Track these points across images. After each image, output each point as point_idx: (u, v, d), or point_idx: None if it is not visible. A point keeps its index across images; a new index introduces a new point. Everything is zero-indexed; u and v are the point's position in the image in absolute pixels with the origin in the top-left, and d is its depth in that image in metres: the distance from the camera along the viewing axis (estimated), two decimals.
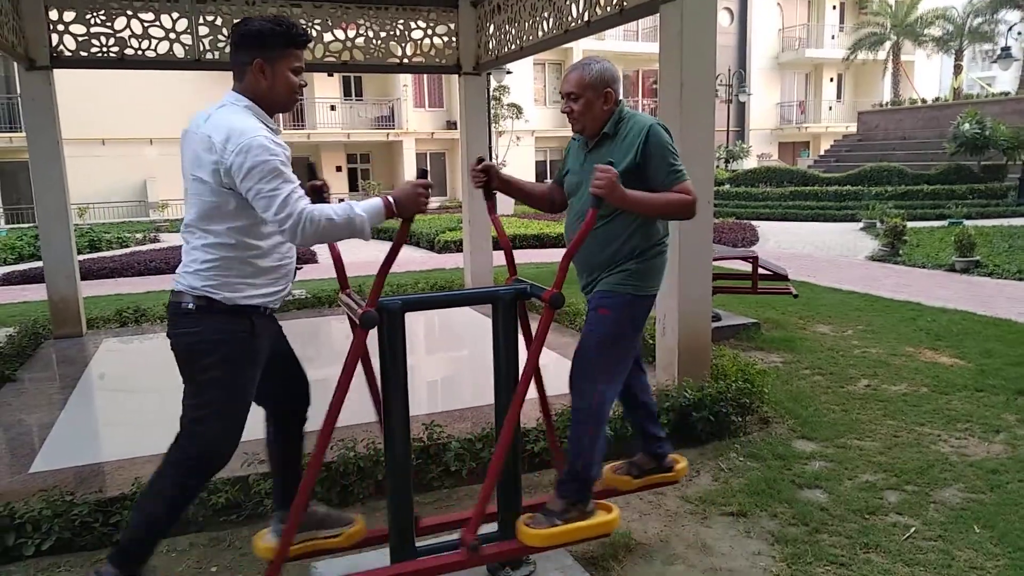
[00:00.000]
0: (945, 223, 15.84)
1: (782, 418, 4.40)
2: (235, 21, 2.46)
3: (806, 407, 4.58)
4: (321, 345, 6.48)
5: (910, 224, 13.03)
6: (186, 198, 2.39)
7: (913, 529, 3.12)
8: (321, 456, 2.40)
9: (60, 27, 6.17)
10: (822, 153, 28.78)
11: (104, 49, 6.31)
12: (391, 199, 2.33)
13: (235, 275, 2.35)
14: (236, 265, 2.35)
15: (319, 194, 2.60)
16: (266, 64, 2.35)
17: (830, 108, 36.12)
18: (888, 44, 31.58)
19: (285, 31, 2.35)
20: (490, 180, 2.88)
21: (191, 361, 2.38)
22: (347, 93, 29.18)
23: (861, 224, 16.14)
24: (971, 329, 6.53)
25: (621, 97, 2.84)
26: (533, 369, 2.55)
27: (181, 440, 2.40)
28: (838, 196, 19.58)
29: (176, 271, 2.44)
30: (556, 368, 4.34)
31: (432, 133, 29.49)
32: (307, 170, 2.59)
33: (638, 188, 2.62)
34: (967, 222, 15.47)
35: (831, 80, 36.18)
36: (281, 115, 2.51)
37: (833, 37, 35.06)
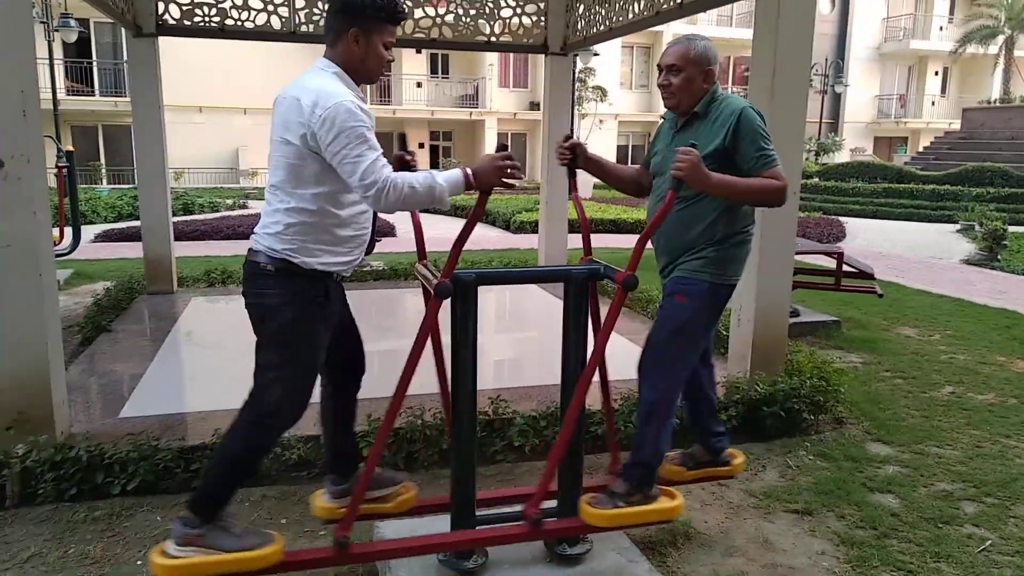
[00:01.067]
0: None
1: (857, 419, 4.27)
2: None
3: (884, 410, 4.43)
4: (396, 316, 6.63)
5: (1012, 228, 12.32)
6: (271, 160, 2.43)
7: (989, 542, 2.99)
8: (390, 422, 2.46)
9: None
10: (920, 150, 27.40)
11: (206, 19, 6.56)
12: (470, 171, 2.34)
13: (313, 240, 2.39)
14: (316, 231, 2.39)
15: (406, 166, 2.65)
16: (361, 34, 2.38)
17: (933, 103, 34.32)
18: (1001, 38, 29.73)
19: (385, 4, 2.37)
20: (575, 158, 2.86)
21: (265, 322, 2.44)
22: (433, 71, 29.45)
23: (958, 226, 15.35)
24: None
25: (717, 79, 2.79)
26: (601, 352, 2.55)
27: (253, 398, 2.47)
28: (935, 195, 18.65)
29: (255, 231, 2.48)
30: (624, 353, 4.31)
31: (515, 113, 29.49)
32: (398, 140, 2.63)
33: (727, 172, 2.57)
34: None
35: (936, 74, 34.34)
36: (368, 90, 2.57)
37: (941, 28, 33.22)
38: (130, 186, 22.42)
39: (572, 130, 14.67)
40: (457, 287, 2.44)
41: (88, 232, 11.37)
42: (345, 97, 2.27)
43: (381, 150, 2.31)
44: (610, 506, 2.66)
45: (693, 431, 3.13)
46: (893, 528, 3.07)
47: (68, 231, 8.80)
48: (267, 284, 2.41)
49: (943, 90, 34.76)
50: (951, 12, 33.74)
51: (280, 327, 2.42)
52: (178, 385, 4.64)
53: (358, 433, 2.88)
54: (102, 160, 25.34)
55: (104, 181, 24.18)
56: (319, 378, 2.63)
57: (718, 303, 2.76)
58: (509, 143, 29.78)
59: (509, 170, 2.32)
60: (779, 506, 3.27)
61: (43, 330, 3.39)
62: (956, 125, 27.98)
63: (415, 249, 2.85)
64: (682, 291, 2.72)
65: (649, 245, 2.64)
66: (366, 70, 2.44)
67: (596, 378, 2.65)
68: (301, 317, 2.42)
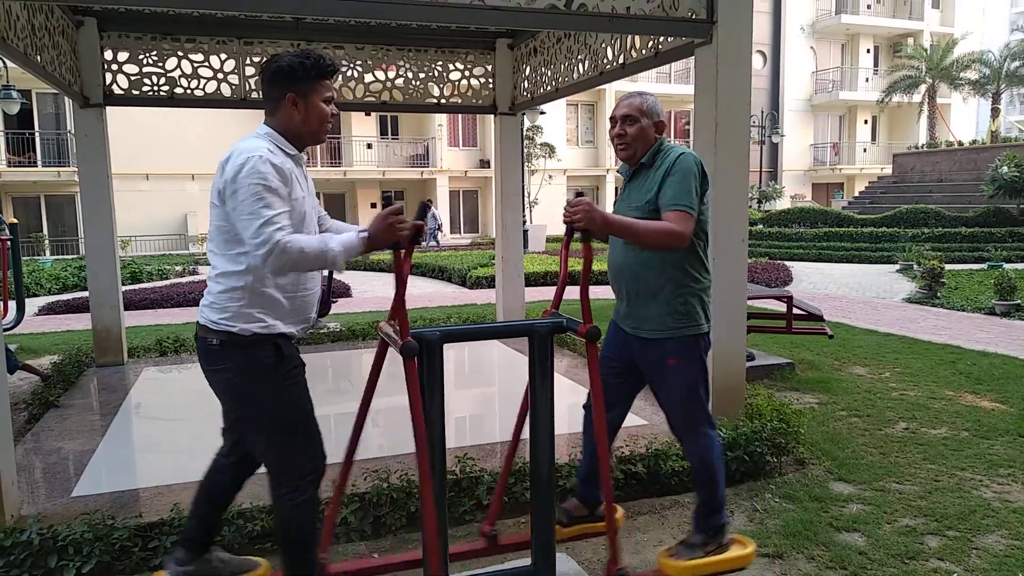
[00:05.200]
0: (984, 266, 15.57)
1: (818, 459, 4.34)
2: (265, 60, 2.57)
3: (843, 449, 4.51)
4: (354, 377, 6.55)
5: (948, 266, 12.83)
6: (209, 229, 2.46)
7: (955, 575, 3.04)
8: (338, 494, 2.43)
9: (114, 67, 6.44)
10: (856, 194, 28.53)
11: (155, 88, 6.56)
12: (365, 233, 2.32)
13: (248, 304, 2.35)
14: (248, 296, 2.35)
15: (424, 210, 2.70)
16: (299, 97, 2.40)
17: (864, 150, 35.91)
18: (923, 87, 31.42)
19: (315, 63, 2.40)
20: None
21: (232, 397, 2.43)
22: (383, 132, 29.75)
23: (897, 266, 15.92)
24: (1013, 373, 6.39)
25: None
26: (602, 414, 2.62)
27: (270, 473, 2.45)
28: (873, 237, 19.37)
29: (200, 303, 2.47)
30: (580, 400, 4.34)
31: (465, 171, 29.89)
32: (418, 210, 2.62)
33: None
34: (1007, 265, 15.19)
35: (865, 122, 36.03)
36: (318, 152, 2.60)
37: (867, 80, 35.00)
38: (74, 256, 21.92)
39: (523, 186, 14.88)
40: (423, 345, 2.44)
41: (32, 305, 11.03)
42: (255, 153, 2.26)
43: (282, 210, 2.26)
44: (689, 558, 2.78)
45: (579, 480, 3.15)
46: (862, 567, 3.11)
47: (12, 305, 8.53)
48: (217, 359, 2.39)
49: (873, 137, 36.43)
50: (875, 64, 35.60)
51: (247, 400, 2.40)
52: (132, 460, 4.49)
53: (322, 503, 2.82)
54: (45, 231, 24.76)
55: (47, 252, 23.58)
56: (220, 446, 2.62)
57: (705, 348, 2.87)
58: (460, 200, 30.24)
59: (400, 223, 2.29)
60: None
61: None
62: (888, 170, 29.33)
63: (373, 309, 2.86)
64: (671, 354, 2.80)
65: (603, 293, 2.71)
66: (310, 131, 2.46)
67: (561, 432, 2.66)
68: (260, 384, 2.39)
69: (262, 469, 2.68)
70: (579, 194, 2.53)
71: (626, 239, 2.72)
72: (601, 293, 12.03)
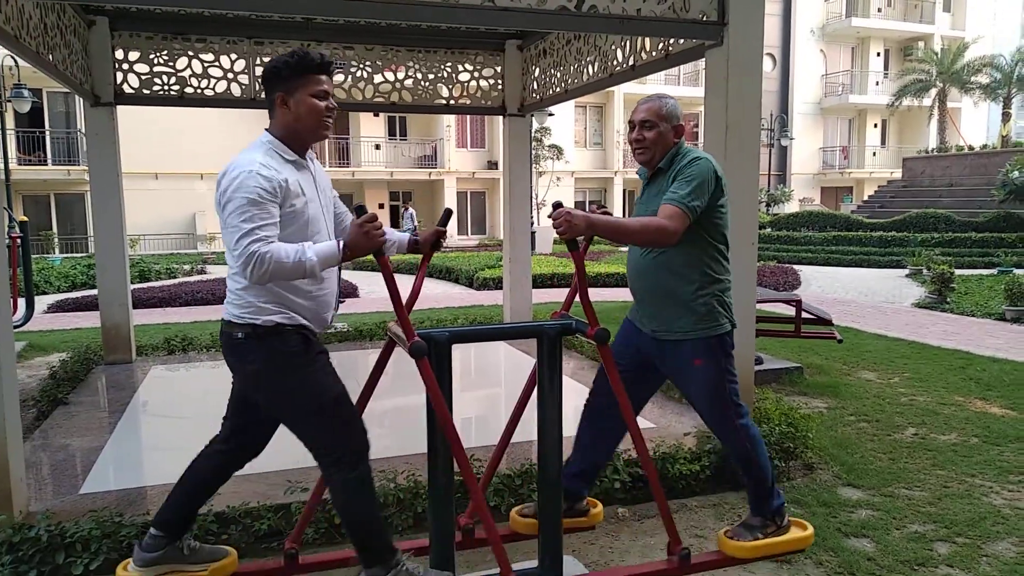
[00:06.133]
0: (994, 271, 15.48)
1: (827, 464, 4.31)
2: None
3: (852, 454, 4.49)
4: (361, 377, 6.52)
5: (957, 271, 12.76)
6: None
7: None
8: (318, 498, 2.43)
9: (125, 66, 6.46)
10: (866, 198, 28.42)
11: (165, 87, 6.59)
12: (343, 242, 2.35)
13: (264, 300, 2.41)
14: (263, 293, 2.41)
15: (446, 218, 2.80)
16: (287, 95, 2.42)
17: (874, 154, 35.77)
18: (934, 91, 31.28)
19: (299, 59, 2.41)
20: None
21: (261, 388, 2.46)
22: (392, 133, 29.80)
23: (906, 271, 15.84)
24: (1023, 379, 6.34)
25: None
26: (632, 417, 2.65)
27: (318, 456, 2.48)
28: (882, 242, 19.28)
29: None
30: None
31: (473, 172, 29.90)
32: (355, 212, 2.58)
33: (697, 221, 2.67)
34: (1018, 271, 15.09)
35: (875, 126, 35.89)
36: (326, 152, 2.59)
37: (877, 83, 34.87)
38: (83, 254, 22.03)
39: (531, 188, 14.88)
40: (431, 346, 2.44)
41: (41, 303, 11.08)
42: (248, 167, 2.30)
43: (264, 222, 2.28)
44: (750, 538, 2.83)
45: (565, 476, 3.02)
46: (871, 573, 3.09)
47: (21, 302, 8.58)
48: (243, 351, 2.43)
49: (883, 141, 36.28)
50: (886, 68, 35.46)
51: (278, 389, 2.43)
52: (140, 458, 4.50)
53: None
54: (54, 229, 24.89)
55: (57, 250, 23.70)
56: (217, 432, 2.64)
57: (729, 346, 2.87)
58: (468, 202, 30.25)
59: (376, 231, 2.33)
60: None
61: (0, 406, 3.28)
62: (897, 174, 29.16)
63: (380, 310, 2.87)
64: (697, 354, 2.81)
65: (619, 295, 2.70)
66: (305, 128, 2.45)
67: (568, 435, 2.66)
68: (288, 371, 2.42)
69: (247, 468, 2.71)
70: (556, 205, 2.51)
71: (615, 239, 2.73)
72: (610, 295, 12.03)
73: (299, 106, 2.42)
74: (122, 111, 6.61)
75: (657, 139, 2.81)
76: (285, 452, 2.66)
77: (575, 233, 2.50)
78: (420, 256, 2.86)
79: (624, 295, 11.86)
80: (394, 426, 4.91)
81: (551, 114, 21.96)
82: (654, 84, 29.36)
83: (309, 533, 3.23)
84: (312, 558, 2.86)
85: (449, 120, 28.46)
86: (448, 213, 2.84)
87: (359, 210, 2.36)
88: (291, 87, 2.42)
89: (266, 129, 2.50)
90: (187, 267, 18.15)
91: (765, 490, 2.91)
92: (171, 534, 2.64)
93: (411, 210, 25.79)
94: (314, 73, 2.43)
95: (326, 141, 27.62)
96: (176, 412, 5.41)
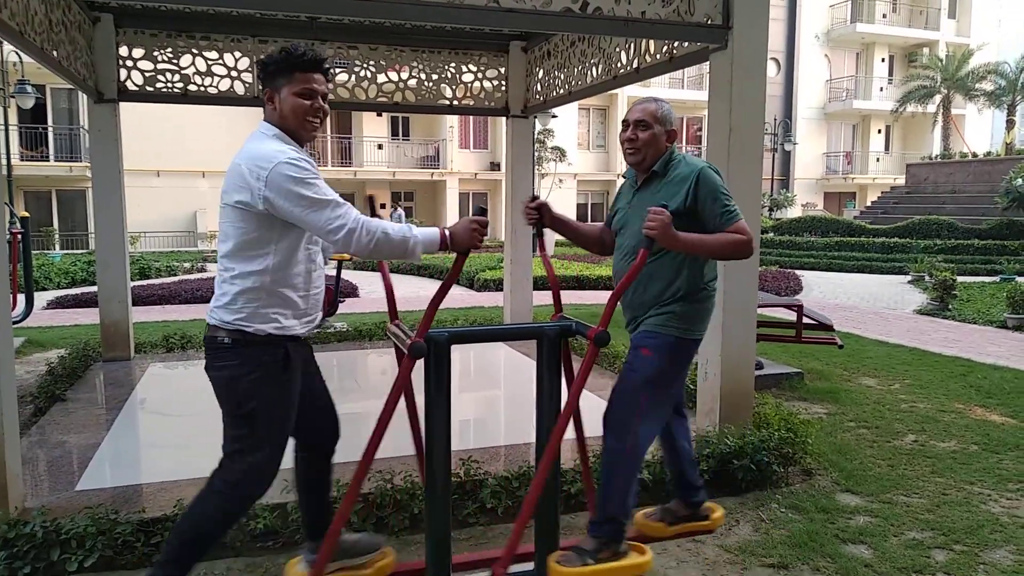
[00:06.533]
0: (997, 279, 15.46)
1: (826, 470, 4.30)
2: None
3: (851, 460, 4.47)
4: (360, 377, 6.54)
5: (960, 278, 12.74)
6: (220, 228, 2.44)
7: None
8: (358, 486, 2.42)
9: (129, 63, 6.46)
10: (869, 204, 28.39)
11: (169, 84, 6.59)
12: (447, 232, 2.36)
13: (264, 305, 2.37)
14: (265, 296, 2.37)
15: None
16: (274, 92, 2.40)
17: (878, 160, 35.72)
18: (938, 97, 31.23)
19: (285, 56, 2.38)
20: (542, 217, 2.92)
21: (231, 394, 2.41)
22: (394, 133, 29.80)
23: (909, 277, 15.82)
24: None
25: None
26: (574, 407, 2.55)
27: (223, 469, 2.43)
28: (885, 248, 19.26)
29: (210, 304, 2.47)
30: (595, 410, 4.33)
31: (476, 174, 29.89)
32: (367, 203, 2.58)
33: (689, 230, 2.64)
34: (1020, 278, 15.06)
35: (879, 132, 35.84)
36: (328, 151, 2.56)
37: (882, 89, 34.80)
38: (83, 251, 22.02)
39: (533, 189, 14.88)
40: (431, 347, 2.43)
41: (41, 299, 11.08)
42: (281, 157, 2.27)
43: (336, 194, 2.30)
44: (579, 563, 2.62)
45: (672, 485, 3.13)
46: None
47: (21, 298, 8.57)
48: (225, 356, 2.39)
49: (887, 147, 36.23)
50: (890, 73, 35.40)
51: (245, 397, 2.39)
52: (136, 455, 4.49)
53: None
54: (55, 225, 24.90)
55: (57, 246, 23.71)
56: (293, 442, 2.58)
57: (684, 357, 2.80)
58: (470, 203, 30.20)
59: (482, 234, 2.36)
60: (755, 561, 3.25)
61: None
62: (900, 180, 29.14)
63: (380, 309, 2.86)
64: (648, 345, 2.76)
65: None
66: (289, 126, 2.41)
67: (573, 436, 2.64)
68: (263, 385, 2.39)
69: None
70: (481, 209, 2.45)
71: (697, 253, 2.69)
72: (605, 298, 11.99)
73: (283, 104, 2.39)
74: (125, 108, 6.61)
75: (650, 140, 2.81)
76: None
77: (665, 237, 2.51)
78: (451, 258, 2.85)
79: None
80: (393, 427, 4.89)
81: (554, 116, 21.95)
82: (658, 87, 29.40)
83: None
84: (460, 558, 2.81)
85: (452, 121, 28.45)
86: (481, 210, 2.77)
87: (480, 211, 2.38)
88: (278, 84, 2.39)
89: (263, 120, 2.47)
90: (187, 265, 18.16)
91: (617, 510, 2.68)
92: (316, 536, 2.64)
93: (399, 210, 25.89)
94: (302, 71, 2.38)
95: (328, 140, 27.64)
96: (174, 410, 5.40)
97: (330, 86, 2.53)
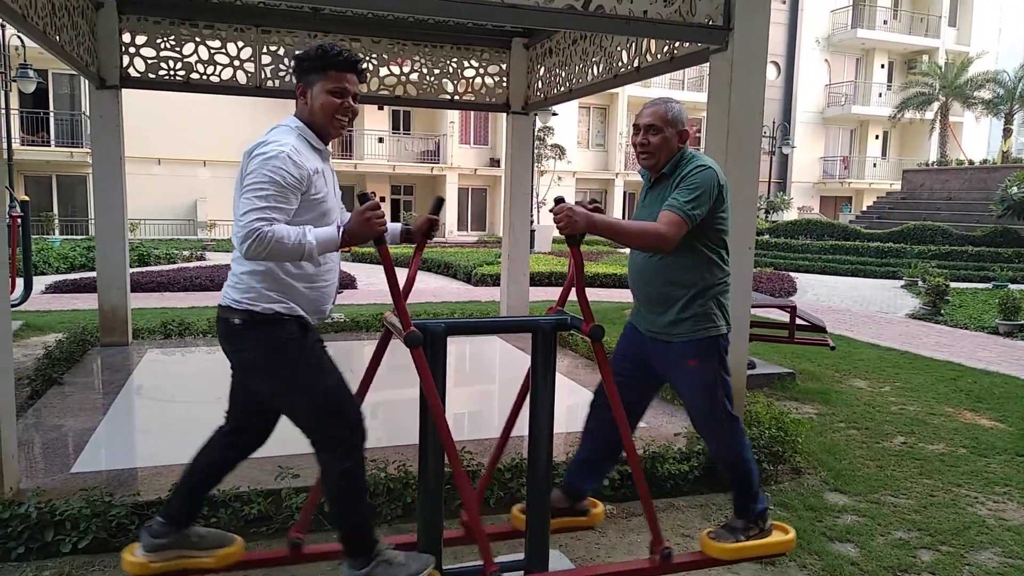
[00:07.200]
0: (990, 285, 15.54)
1: (815, 469, 4.35)
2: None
3: (840, 460, 4.52)
4: (356, 368, 6.54)
5: (953, 284, 12.81)
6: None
7: None
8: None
9: (131, 49, 6.47)
10: (864, 209, 28.48)
11: (171, 72, 6.60)
12: (342, 228, 2.35)
13: (266, 287, 2.40)
14: (268, 280, 2.40)
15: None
16: (307, 87, 2.45)
17: (874, 165, 35.83)
18: (936, 105, 31.33)
19: (321, 54, 2.42)
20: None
21: (257, 375, 2.45)
22: (395, 127, 29.80)
23: (902, 282, 15.90)
24: (1013, 393, 6.39)
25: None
26: (617, 402, 2.64)
27: (313, 439, 2.48)
28: (879, 252, 19.34)
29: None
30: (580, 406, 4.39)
31: (475, 169, 29.91)
32: (357, 200, 2.59)
33: (694, 227, 2.68)
34: (1012, 286, 15.15)
35: (876, 137, 35.94)
36: (330, 144, 2.57)
37: (880, 95, 34.90)
38: (83, 236, 22.00)
39: (533, 186, 14.90)
40: (427, 337, 2.46)
41: (39, 283, 11.08)
42: (283, 149, 2.31)
43: (278, 205, 2.28)
44: (732, 540, 2.85)
45: (568, 473, 3.13)
46: None
47: (19, 282, 8.58)
48: (240, 338, 2.43)
49: (884, 153, 36.34)
50: (889, 80, 35.50)
51: (274, 375, 2.43)
52: (132, 439, 4.52)
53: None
54: (55, 210, 24.86)
55: (57, 231, 23.68)
56: (221, 420, 2.63)
57: (724, 350, 2.87)
58: (469, 198, 30.24)
59: (377, 219, 2.33)
60: None
61: None
62: (897, 186, 29.24)
63: (377, 301, 2.89)
64: (691, 355, 2.81)
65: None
66: (318, 123, 2.47)
67: (564, 430, 2.67)
68: (285, 359, 2.43)
69: (258, 454, 2.72)
70: (558, 200, 2.53)
71: (613, 239, 2.72)
72: (607, 296, 12.05)
73: (315, 100, 2.44)
74: (127, 95, 6.62)
75: (662, 144, 2.81)
76: (276, 438, 2.67)
77: (575, 229, 2.51)
78: (412, 249, 2.87)
79: (621, 296, 11.89)
80: (387, 417, 4.94)
81: (555, 114, 21.96)
82: (658, 87, 29.43)
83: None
84: (316, 548, 2.85)
85: (453, 116, 28.46)
86: (439, 201, 2.85)
87: (362, 197, 2.36)
88: (311, 80, 2.44)
89: (293, 115, 2.51)
90: (186, 253, 18.15)
91: (751, 493, 2.92)
92: (178, 524, 2.63)
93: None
94: (337, 70, 2.44)
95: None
96: (170, 396, 5.43)
97: (362, 88, 2.56)
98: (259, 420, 2.64)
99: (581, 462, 3.09)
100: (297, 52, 2.48)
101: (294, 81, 2.52)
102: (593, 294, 13.01)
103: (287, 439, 2.63)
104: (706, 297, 2.80)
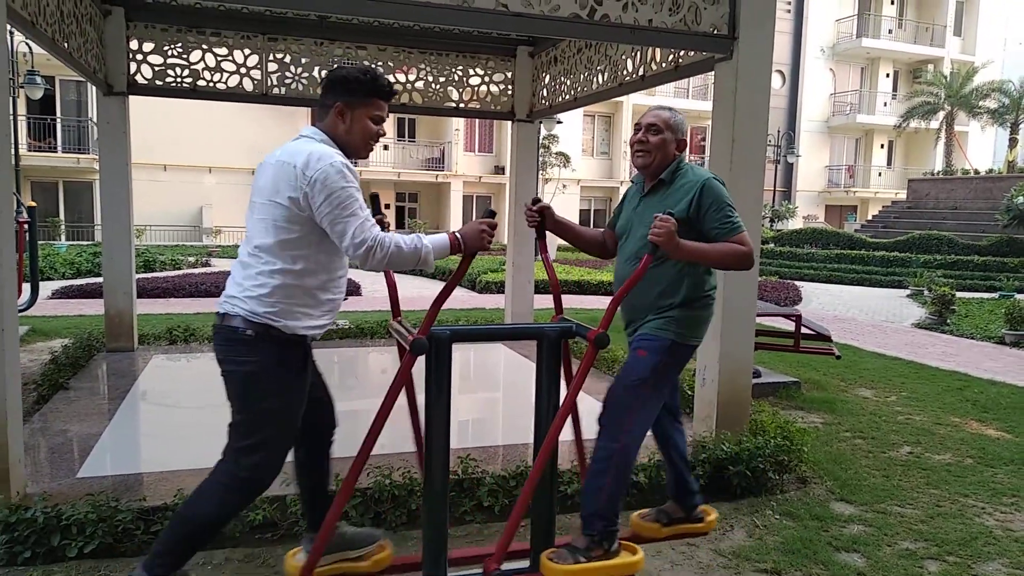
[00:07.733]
0: (996, 295, 15.49)
1: (820, 479, 4.33)
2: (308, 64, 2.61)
3: (846, 470, 4.51)
4: (361, 374, 6.58)
5: (959, 294, 12.77)
6: (253, 222, 2.44)
7: None
8: (354, 479, 2.45)
9: (139, 56, 6.51)
10: (870, 218, 28.42)
11: (178, 79, 6.64)
12: (458, 235, 2.42)
13: (298, 304, 2.40)
14: (299, 294, 2.40)
15: (379, 226, 2.71)
16: (346, 108, 2.46)
17: (880, 174, 35.79)
18: (941, 114, 31.29)
19: (370, 81, 2.46)
20: (544, 220, 2.97)
21: (246, 390, 2.42)
22: (400, 134, 29.89)
23: (908, 291, 15.86)
24: (1020, 403, 6.35)
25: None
26: (571, 406, 2.59)
27: (227, 464, 2.44)
28: (885, 262, 19.30)
29: (225, 294, 2.45)
30: (592, 412, 4.37)
31: (480, 177, 29.96)
32: (371, 201, 2.65)
33: (690, 239, 2.68)
34: (1019, 295, 15.10)
35: (882, 146, 35.92)
36: None
37: (886, 104, 34.89)
38: (89, 242, 22.07)
39: (537, 193, 14.93)
40: (432, 344, 2.47)
41: (45, 288, 11.12)
42: (334, 158, 2.34)
43: (368, 210, 2.39)
44: (571, 561, 2.65)
45: (669, 488, 3.18)
46: None
47: (26, 287, 8.62)
48: (246, 351, 2.38)
49: (889, 162, 36.30)
50: (894, 89, 35.49)
51: (262, 396, 2.41)
52: (138, 445, 4.53)
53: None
54: (61, 216, 24.96)
55: (63, 237, 23.76)
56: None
57: (678, 361, 2.84)
58: (474, 206, 30.26)
59: (491, 236, 2.42)
60: (748, 566, 3.28)
61: (2, 386, 3.31)
62: (902, 195, 29.19)
63: (381, 308, 2.90)
64: (644, 346, 2.81)
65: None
66: (352, 144, 2.49)
67: (570, 436, 2.68)
68: (282, 385, 2.42)
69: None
70: (491, 212, 2.52)
71: (697, 261, 2.73)
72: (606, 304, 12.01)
73: (355, 123, 2.48)
74: (134, 102, 6.66)
75: (660, 145, 2.86)
76: None
77: (670, 244, 2.55)
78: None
79: None
80: (391, 424, 4.93)
81: (559, 122, 22.03)
82: (663, 96, 29.47)
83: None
84: (456, 553, 2.84)
85: (458, 124, 28.54)
86: (374, 196, 2.82)
87: (488, 213, 2.46)
88: (354, 102, 2.46)
89: (313, 125, 2.51)
90: (192, 259, 18.20)
91: (608, 510, 2.71)
92: (317, 527, 2.63)
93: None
94: (380, 98, 2.50)
95: None
96: (175, 401, 5.44)
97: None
98: (317, 409, 2.65)
99: (673, 478, 3.13)
100: (339, 71, 2.49)
101: (323, 94, 2.52)
102: (596, 302, 13.02)
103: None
104: (690, 308, 2.81)
